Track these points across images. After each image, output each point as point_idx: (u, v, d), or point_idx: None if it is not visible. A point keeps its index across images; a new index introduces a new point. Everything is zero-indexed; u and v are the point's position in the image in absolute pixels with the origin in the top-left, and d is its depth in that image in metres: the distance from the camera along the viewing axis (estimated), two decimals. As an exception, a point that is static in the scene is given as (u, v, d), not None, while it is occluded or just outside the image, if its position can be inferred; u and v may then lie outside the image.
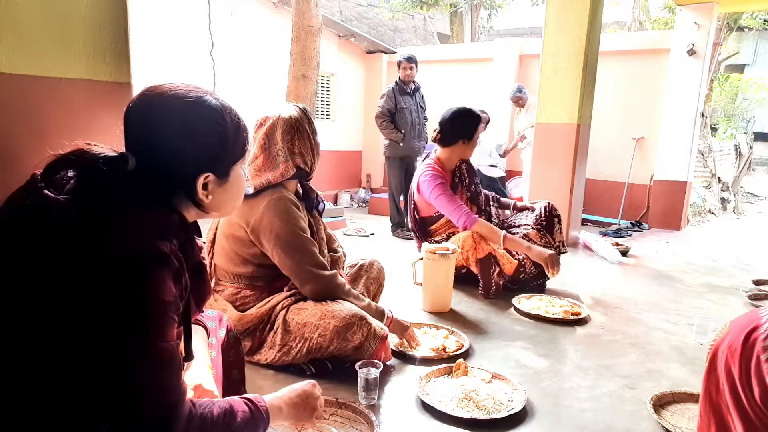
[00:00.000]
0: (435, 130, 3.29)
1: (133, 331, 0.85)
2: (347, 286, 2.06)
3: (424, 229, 3.33)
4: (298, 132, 2.02)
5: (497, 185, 6.10)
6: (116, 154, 0.95)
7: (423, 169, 3.27)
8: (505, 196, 5.17)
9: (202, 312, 1.30)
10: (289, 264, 1.97)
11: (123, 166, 0.94)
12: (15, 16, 1.56)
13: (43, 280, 0.84)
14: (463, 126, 3.24)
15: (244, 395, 1.10)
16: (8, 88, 1.58)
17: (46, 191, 0.88)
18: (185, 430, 0.91)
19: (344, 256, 2.32)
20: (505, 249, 3.05)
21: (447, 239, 3.18)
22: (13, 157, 1.58)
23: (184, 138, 0.97)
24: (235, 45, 6.28)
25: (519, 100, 6.25)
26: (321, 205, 2.23)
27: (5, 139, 1.59)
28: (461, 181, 3.32)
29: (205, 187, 1.01)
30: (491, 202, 3.48)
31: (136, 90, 1.90)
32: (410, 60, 5.12)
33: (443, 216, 3.20)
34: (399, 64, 5.19)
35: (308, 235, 2.01)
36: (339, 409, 1.70)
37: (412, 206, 3.35)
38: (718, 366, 0.96)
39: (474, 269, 3.08)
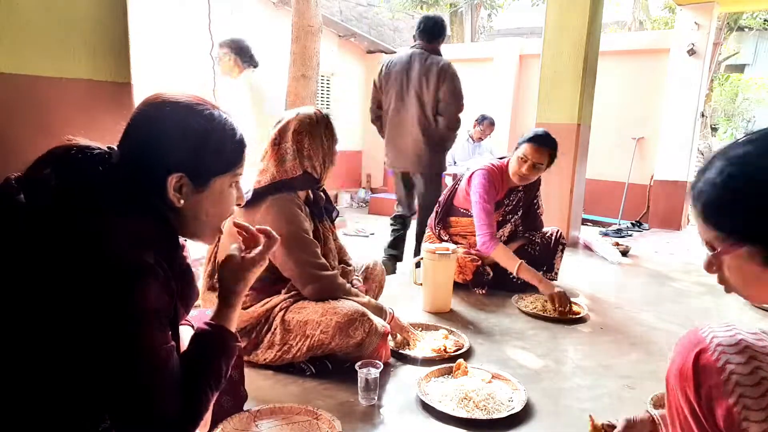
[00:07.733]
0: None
1: (126, 339, 0.86)
2: (347, 286, 2.06)
3: (446, 214, 3.26)
4: (310, 134, 2.00)
5: None
6: (99, 148, 0.96)
7: (482, 168, 3.08)
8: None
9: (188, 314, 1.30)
10: (290, 265, 1.96)
11: (107, 160, 0.95)
12: (15, 16, 1.56)
13: (24, 288, 0.84)
14: None
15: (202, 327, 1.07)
16: (8, 88, 1.58)
17: (19, 197, 0.87)
18: (183, 428, 0.93)
19: (354, 271, 2.32)
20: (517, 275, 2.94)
21: (454, 240, 3.18)
22: (14, 157, 1.58)
23: (165, 135, 0.97)
24: (235, 45, 6.27)
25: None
26: (335, 213, 2.23)
27: (5, 139, 1.59)
28: (506, 206, 3.16)
29: (179, 190, 0.98)
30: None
31: (136, 90, 1.92)
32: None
33: (471, 217, 3.07)
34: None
35: (311, 237, 2.01)
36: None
37: (452, 190, 3.25)
38: (672, 393, 0.94)
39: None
